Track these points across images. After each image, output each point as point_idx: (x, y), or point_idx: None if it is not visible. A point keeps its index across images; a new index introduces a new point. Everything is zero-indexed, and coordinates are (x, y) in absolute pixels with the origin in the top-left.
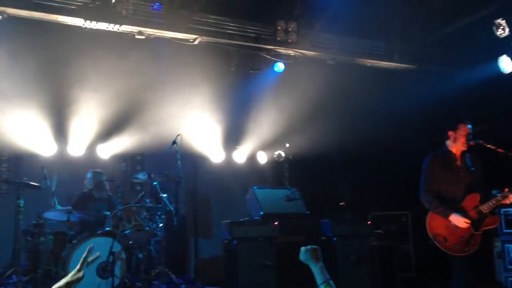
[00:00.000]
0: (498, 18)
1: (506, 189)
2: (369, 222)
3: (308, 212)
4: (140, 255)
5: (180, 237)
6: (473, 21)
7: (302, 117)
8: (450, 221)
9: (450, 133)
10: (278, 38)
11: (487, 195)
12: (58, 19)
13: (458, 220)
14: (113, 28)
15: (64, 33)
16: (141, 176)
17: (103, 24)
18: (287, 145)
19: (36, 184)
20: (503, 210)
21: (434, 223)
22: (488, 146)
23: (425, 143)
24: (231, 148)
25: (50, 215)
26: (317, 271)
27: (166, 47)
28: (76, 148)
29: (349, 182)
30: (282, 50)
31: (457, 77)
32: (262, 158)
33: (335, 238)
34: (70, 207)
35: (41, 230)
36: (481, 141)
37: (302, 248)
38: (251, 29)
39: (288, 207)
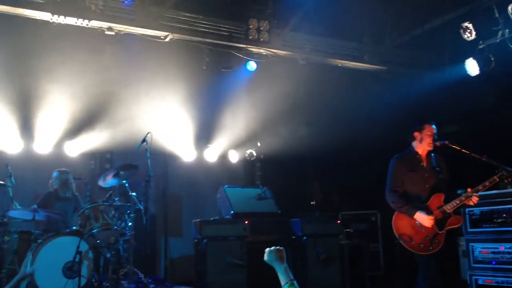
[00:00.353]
0: (465, 21)
1: (469, 189)
2: (338, 222)
3: (279, 211)
4: (108, 255)
5: (150, 236)
6: (442, 24)
7: (274, 117)
8: (415, 220)
9: (416, 133)
10: (250, 37)
11: (452, 195)
12: (25, 13)
13: (423, 218)
14: (81, 24)
15: (32, 27)
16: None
17: (72, 19)
18: (259, 144)
19: (0, 182)
20: (467, 209)
21: (400, 223)
22: (454, 146)
23: (394, 144)
24: (203, 146)
25: (14, 213)
26: (282, 272)
27: (137, 43)
28: (43, 145)
29: (320, 181)
30: (254, 49)
31: (425, 79)
32: (234, 157)
33: (305, 237)
34: (35, 206)
35: (5, 229)
36: (447, 142)
37: (267, 250)
38: (224, 27)
39: (259, 206)
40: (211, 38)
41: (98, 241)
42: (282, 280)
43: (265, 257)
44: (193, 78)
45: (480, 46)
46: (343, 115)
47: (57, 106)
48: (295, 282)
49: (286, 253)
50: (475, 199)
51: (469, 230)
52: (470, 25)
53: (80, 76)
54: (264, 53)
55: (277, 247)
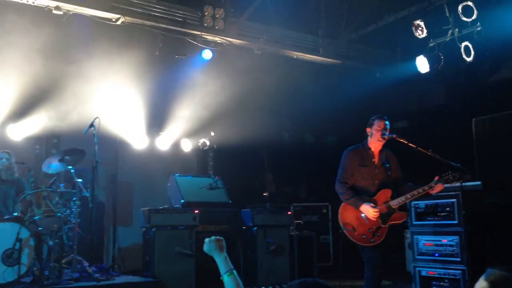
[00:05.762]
0: (417, 19)
1: (437, 177)
2: (289, 213)
3: (230, 201)
4: (51, 243)
5: (97, 224)
6: (395, 21)
7: (228, 106)
8: (360, 212)
9: (368, 129)
10: (205, 24)
11: (402, 191)
12: None
13: (368, 211)
14: (27, 1)
15: None
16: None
17: None
18: (212, 133)
19: None
20: (413, 202)
21: (346, 214)
22: (401, 140)
23: (347, 137)
24: (155, 134)
25: None
26: (221, 261)
27: (88, 24)
28: None
29: (273, 173)
30: (209, 37)
31: (378, 75)
32: (187, 146)
33: (255, 228)
34: None
35: None
36: (394, 136)
37: (206, 239)
38: (178, 12)
39: (210, 196)
40: (165, 23)
41: (40, 228)
42: (222, 269)
43: (204, 247)
44: (145, 63)
45: (431, 44)
46: (297, 107)
47: (0, 87)
48: (234, 271)
49: (238, 243)
50: (438, 188)
51: (414, 222)
52: (421, 23)
53: (26, 57)
54: (219, 42)
55: (217, 237)
